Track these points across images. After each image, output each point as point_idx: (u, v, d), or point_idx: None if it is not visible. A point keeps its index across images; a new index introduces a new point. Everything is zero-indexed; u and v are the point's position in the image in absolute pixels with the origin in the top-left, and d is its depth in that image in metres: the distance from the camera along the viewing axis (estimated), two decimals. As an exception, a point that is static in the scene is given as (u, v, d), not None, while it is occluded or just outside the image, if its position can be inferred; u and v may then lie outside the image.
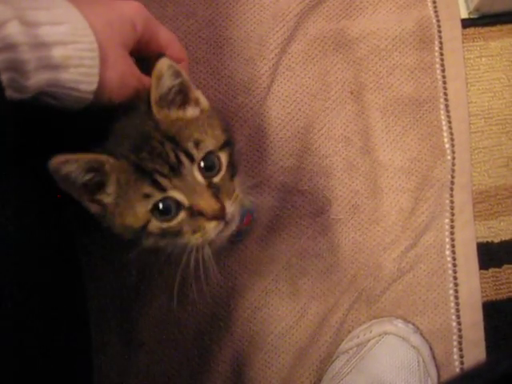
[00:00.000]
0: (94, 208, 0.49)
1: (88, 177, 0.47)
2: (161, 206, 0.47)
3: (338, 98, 0.80)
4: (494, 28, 0.83)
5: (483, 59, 0.82)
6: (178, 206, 0.47)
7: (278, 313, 0.74)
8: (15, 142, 0.43)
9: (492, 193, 0.78)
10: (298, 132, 0.79)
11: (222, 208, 0.48)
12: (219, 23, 0.82)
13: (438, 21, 0.82)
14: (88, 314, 0.57)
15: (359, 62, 0.81)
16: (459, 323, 0.74)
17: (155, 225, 0.48)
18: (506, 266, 0.77)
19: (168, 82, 0.48)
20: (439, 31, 0.82)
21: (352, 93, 0.80)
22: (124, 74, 0.49)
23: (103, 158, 0.46)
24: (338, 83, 0.81)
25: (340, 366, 0.70)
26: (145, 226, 0.48)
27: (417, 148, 0.79)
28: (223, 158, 0.50)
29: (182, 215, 0.48)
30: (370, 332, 0.71)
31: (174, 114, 0.49)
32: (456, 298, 0.75)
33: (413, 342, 0.69)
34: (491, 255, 0.77)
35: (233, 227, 0.50)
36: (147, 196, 0.46)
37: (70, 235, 0.56)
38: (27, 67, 0.42)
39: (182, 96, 0.50)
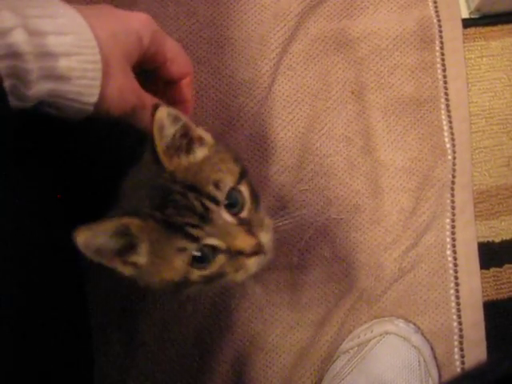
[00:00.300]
0: (127, 270, 0.48)
1: (120, 242, 0.45)
2: (198, 255, 0.46)
3: (338, 98, 0.80)
4: (494, 28, 0.83)
5: (484, 59, 0.82)
6: (215, 250, 0.46)
7: (279, 313, 0.74)
8: (16, 143, 0.43)
9: (493, 192, 0.78)
10: (299, 132, 0.79)
11: (258, 242, 0.47)
12: (220, 23, 0.81)
13: (439, 21, 0.82)
14: (88, 314, 0.57)
15: (360, 62, 0.81)
16: (460, 323, 0.74)
17: (196, 274, 0.47)
18: (506, 266, 0.77)
19: (170, 130, 0.46)
20: (440, 31, 0.82)
21: (353, 92, 0.80)
22: (124, 89, 0.48)
23: (127, 221, 0.45)
24: (339, 83, 0.81)
25: (341, 366, 0.70)
26: (186, 277, 0.47)
27: (418, 148, 0.79)
28: (244, 190, 0.49)
29: (221, 258, 0.47)
30: (371, 332, 0.71)
31: (185, 160, 0.47)
32: (457, 297, 0.75)
33: (414, 341, 0.69)
34: (492, 255, 0.77)
35: (271, 255, 0.49)
36: (182, 250, 0.45)
37: (70, 235, 0.56)
38: (30, 77, 0.41)
39: (186, 139, 0.48)
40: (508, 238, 0.77)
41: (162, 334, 0.74)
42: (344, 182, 0.78)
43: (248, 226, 0.47)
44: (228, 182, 0.47)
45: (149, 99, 0.52)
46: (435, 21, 0.82)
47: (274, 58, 0.80)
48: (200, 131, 0.50)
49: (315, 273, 0.75)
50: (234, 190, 0.48)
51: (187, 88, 0.58)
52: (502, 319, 0.75)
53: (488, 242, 0.77)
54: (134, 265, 0.47)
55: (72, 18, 0.45)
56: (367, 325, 0.73)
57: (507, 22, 0.83)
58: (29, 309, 0.44)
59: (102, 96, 0.46)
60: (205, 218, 0.45)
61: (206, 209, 0.45)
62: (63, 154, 0.55)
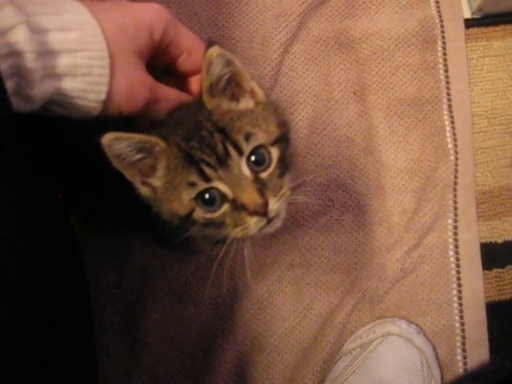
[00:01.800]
0: (144, 190, 0.49)
1: (138, 156, 0.47)
2: (206, 196, 0.47)
3: (340, 99, 0.80)
4: (497, 28, 0.82)
5: (486, 59, 0.82)
6: (223, 198, 0.47)
7: (281, 313, 0.74)
8: (16, 143, 0.43)
9: (495, 193, 0.78)
10: (301, 133, 0.79)
11: (265, 204, 0.47)
12: (222, 24, 0.81)
13: (441, 21, 0.82)
14: (92, 315, 0.57)
15: (362, 63, 0.81)
16: (462, 324, 0.74)
17: (199, 214, 0.48)
18: (509, 267, 0.77)
19: (218, 69, 0.47)
20: (442, 31, 0.82)
21: (355, 93, 0.80)
22: (133, 84, 0.47)
23: (153, 139, 0.47)
24: (341, 84, 0.81)
25: (343, 367, 0.70)
26: (190, 214, 0.48)
27: (420, 148, 0.79)
28: (274, 153, 0.49)
29: (226, 207, 0.48)
30: (374, 333, 0.71)
31: (226, 104, 0.49)
32: (459, 298, 0.75)
33: (416, 342, 0.69)
34: (494, 255, 0.77)
35: (278, 224, 0.50)
36: (192, 184, 0.47)
37: (72, 235, 0.56)
38: (32, 76, 0.41)
39: (233, 86, 0.49)
40: (510, 238, 0.77)
41: (165, 335, 0.74)
42: (346, 182, 0.78)
43: (262, 186, 0.48)
44: (260, 139, 0.48)
45: (163, 91, 0.50)
46: (437, 21, 0.82)
47: (275, 58, 0.80)
48: (254, 84, 0.51)
49: (317, 273, 0.75)
50: (263, 148, 0.48)
51: None
52: (504, 320, 0.75)
53: (490, 242, 0.77)
54: (151, 187, 0.49)
55: (78, 12, 0.44)
56: (369, 326, 0.73)
57: (509, 21, 0.83)
58: (30, 310, 0.44)
59: (110, 93, 0.45)
60: (222, 161, 0.46)
61: (227, 154, 0.46)
62: (64, 153, 0.55)
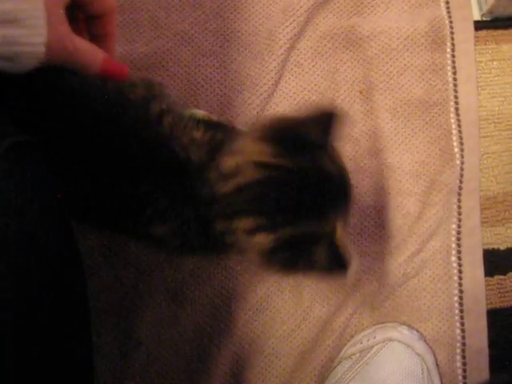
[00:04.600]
0: None
1: None
2: None
3: (346, 97, 0.78)
4: (506, 31, 0.81)
5: (495, 63, 0.81)
6: None
7: (280, 315, 0.73)
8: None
9: (500, 199, 0.77)
10: (305, 131, 0.77)
11: None
12: (227, 15, 0.79)
13: (451, 22, 0.81)
14: (90, 314, 0.55)
15: (369, 61, 0.79)
16: (463, 330, 0.73)
17: None
18: (511, 274, 0.76)
19: None
20: (452, 32, 0.80)
21: (361, 92, 0.79)
22: (62, 38, 0.45)
23: None
24: (347, 82, 0.79)
25: (343, 372, 0.68)
26: None
27: (425, 151, 0.77)
28: None
29: None
30: (374, 338, 0.69)
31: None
32: (460, 305, 0.74)
33: (417, 349, 0.68)
34: (497, 262, 0.76)
35: None
36: None
37: (72, 233, 0.54)
38: None
39: None
40: (513, 245, 0.77)
41: (159, 335, 0.72)
42: (349, 183, 0.76)
43: None
44: None
45: (78, 42, 0.48)
46: (447, 22, 0.81)
47: (281, 54, 0.78)
48: None
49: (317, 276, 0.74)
50: None
51: (111, 24, 0.54)
52: (505, 327, 0.74)
53: (493, 249, 0.76)
54: None
55: None
56: (370, 330, 0.71)
57: (519, 25, 0.82)
58: (29, 311, 0.43)
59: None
60: None
61: None
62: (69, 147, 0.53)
